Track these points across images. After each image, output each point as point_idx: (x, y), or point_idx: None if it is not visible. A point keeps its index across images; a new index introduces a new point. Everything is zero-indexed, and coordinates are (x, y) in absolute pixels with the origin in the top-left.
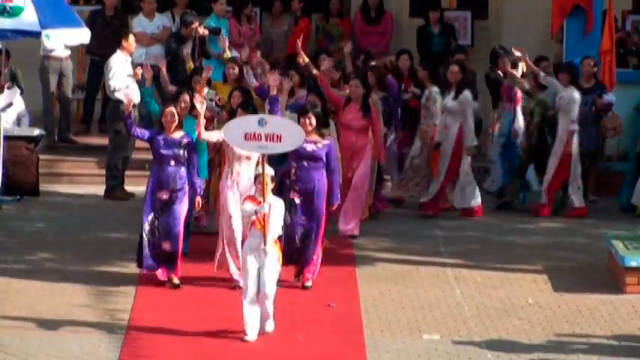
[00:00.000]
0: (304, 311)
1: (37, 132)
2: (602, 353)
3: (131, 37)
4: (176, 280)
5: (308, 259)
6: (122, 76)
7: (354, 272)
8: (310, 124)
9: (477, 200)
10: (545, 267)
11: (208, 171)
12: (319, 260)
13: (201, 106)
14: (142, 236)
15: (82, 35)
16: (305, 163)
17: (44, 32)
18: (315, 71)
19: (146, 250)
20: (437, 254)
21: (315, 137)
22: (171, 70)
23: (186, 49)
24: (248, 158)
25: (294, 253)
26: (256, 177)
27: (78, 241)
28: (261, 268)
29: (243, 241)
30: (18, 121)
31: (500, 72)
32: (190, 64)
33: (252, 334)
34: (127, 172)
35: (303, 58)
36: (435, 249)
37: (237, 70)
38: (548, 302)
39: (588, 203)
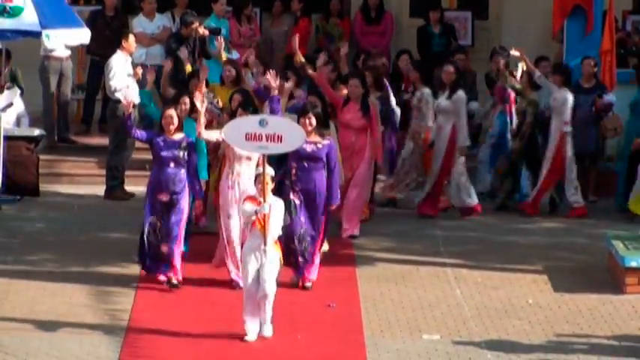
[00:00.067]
0: (304, 311)
1: (37, 132)
2: (602, 353)
3: (131, 38)
4: (174, 281)
5: (308, 260)
6: (122, 77)
7: (354, 272)
8: (310, 124)
9: (473, 199)
10: (545, 267)
11: (208, 172)
12: (319, 261)
13: (201, 105)
14: (142, 238)
15: (82, 35)
16: (305, 164)
17: (44, 32)
18: (311, 71)
19: (146, 252)
20: (437, 254)
21: (315, 138)
22: (172, 70)
23: (184, 52)
24: (249, 158)
25: (294, 254)
26: (256, 177)
27: (78, 242)
28: (261, 269)
29: (242, 241)
30: (17, 122)
31: (492, 70)
32: (188, 67)
33: (252, 335)
34: (127, 172)
35: (300, 58)
36: (435, 249)
37: (234, 72)
38: (548, 302)
39: (588, 203)
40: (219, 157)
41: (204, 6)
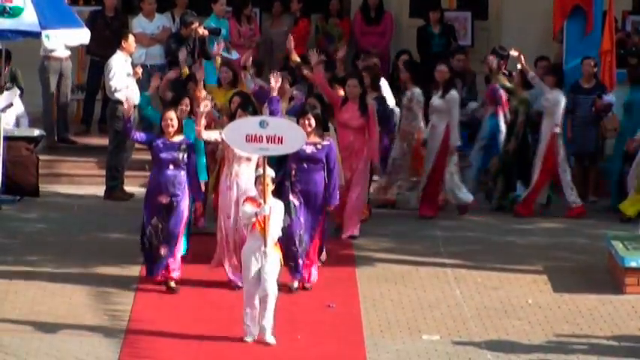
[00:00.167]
0: (304, 312)
1: (37, 132)
2: (601, 353)
3: (131, 38)
4: (172, 284)
5: (307, 261)
6: (122, 77)
7: (354, 272)
8: (310, 125)
9: (467, 196)
10: (545, 267)
11: (207, 174)
12: (318, 261)
13: (204, 106)
14: (143, 241)
15: (82, 36)
16: (305, 165)
17: (44, 33)
18: (306, 72)
19: (147, 254)
20: (437, 254)
21: (314, 139)
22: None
23: (182, 55)
24: (248, 159)
25: (294, 255)
26: (257, 178)
27: (78, 242)
28: (261, 270)
29: (241, 242)
30: (17, 122)
31: (485, 70)
32: (186, 70)
33: (251, 335)
34: (127, 173)
35: (295, 58)
36: (435, 249)
37: (231, 74)
38: (548, 302)
39: (588, 203)
40: (217, 159)
41: (204, 6)
